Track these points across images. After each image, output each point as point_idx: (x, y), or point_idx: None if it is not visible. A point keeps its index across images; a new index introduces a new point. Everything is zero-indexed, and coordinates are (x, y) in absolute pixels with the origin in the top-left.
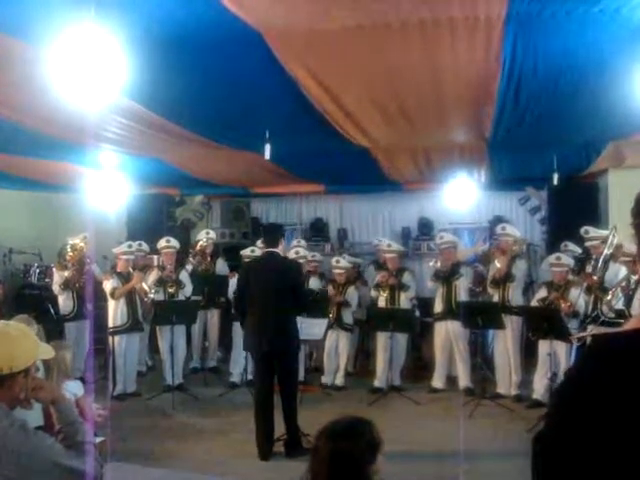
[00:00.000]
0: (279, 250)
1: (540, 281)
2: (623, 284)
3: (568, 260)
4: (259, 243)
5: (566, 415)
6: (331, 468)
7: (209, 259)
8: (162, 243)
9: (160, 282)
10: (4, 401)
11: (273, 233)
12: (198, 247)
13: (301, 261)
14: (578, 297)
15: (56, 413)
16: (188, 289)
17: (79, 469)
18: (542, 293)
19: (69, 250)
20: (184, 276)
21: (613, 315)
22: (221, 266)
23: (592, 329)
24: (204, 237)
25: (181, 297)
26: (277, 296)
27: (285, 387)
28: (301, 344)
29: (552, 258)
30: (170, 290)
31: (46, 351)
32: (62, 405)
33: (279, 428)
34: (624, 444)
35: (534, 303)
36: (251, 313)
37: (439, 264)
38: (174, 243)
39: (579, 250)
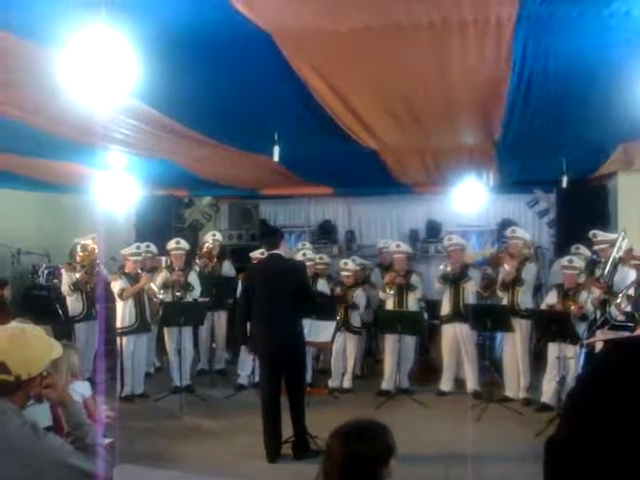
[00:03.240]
0: (280, 251)
1: (549, 284)
2: (632, 288)
3: (580, 263)
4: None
5: (579, 420)
6: (345, 470)
7: (215, 261)
8: (172, 244)
9: (167, 286)
10: (17, 402)
11: (272, 236)
12: (204, 249)
13: (308, 263)
14: (587, 300)
15: (65, 415)
16: (197, 291)
17: (90, 471)
18: (552, 296)
19: (79, 251)
20: (193, 278)
21: (623, 318)
22: (228, 268)
23: (601, 333)
24: (210, 239)
25: (189, 299)
26: (282, 298)
27: (293, 390)
28: (305, 347)
29: (564, 260)
30: (178, 294)
31: (57, 349)
32: (70, 407)
33: (287, 430)
34: (637, 449)
35: (543, 307)
36: (256, 316)
37: (449, 268)
38: (184, 245)
39: (590, 253)
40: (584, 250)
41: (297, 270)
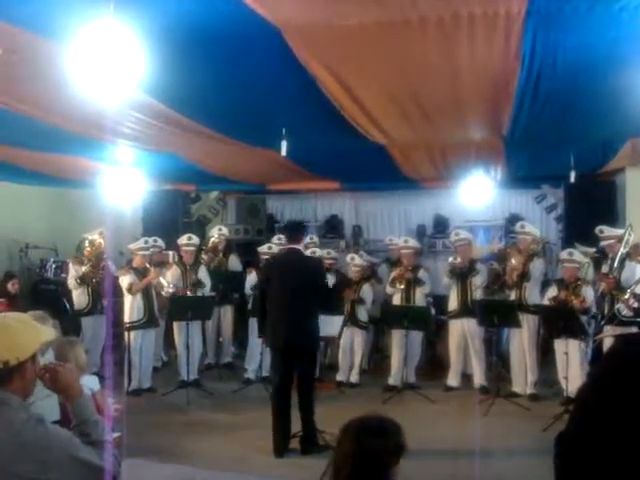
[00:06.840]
0: (300, 247)
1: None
2: None
3: (580, 257)
4: (274, 239)
5: (590, 415)
6: (356, 465)
7: (221, 255)
8: (183, 240)
9: (179, 281)
10: (18, 392)
11: (294, 230)
12: (210, 244)
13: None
14: (592, 295)
15: (71, 409)
16: (207, 287)
17: (97, 465)
18: (552, 291)
19: (87, 245)
20: (203, 273)
21: (631, 314)
22: (234, 262)
23: (609, 329)
24: (216, 233)
25: (199, 294)
26: (297, 293)
27: (302, 384)
28: (319, 342)
29: (564, 254)
30: (190, 289)
31: (47, 333)
32: (77, 401)
33: (295, 425)
34: None
35: (545, 301)
36: (272, 309)
37: (459, 259)
38: (195, 241)
39: (590, 250)
40: (583, 249)
41: (314, 266)
